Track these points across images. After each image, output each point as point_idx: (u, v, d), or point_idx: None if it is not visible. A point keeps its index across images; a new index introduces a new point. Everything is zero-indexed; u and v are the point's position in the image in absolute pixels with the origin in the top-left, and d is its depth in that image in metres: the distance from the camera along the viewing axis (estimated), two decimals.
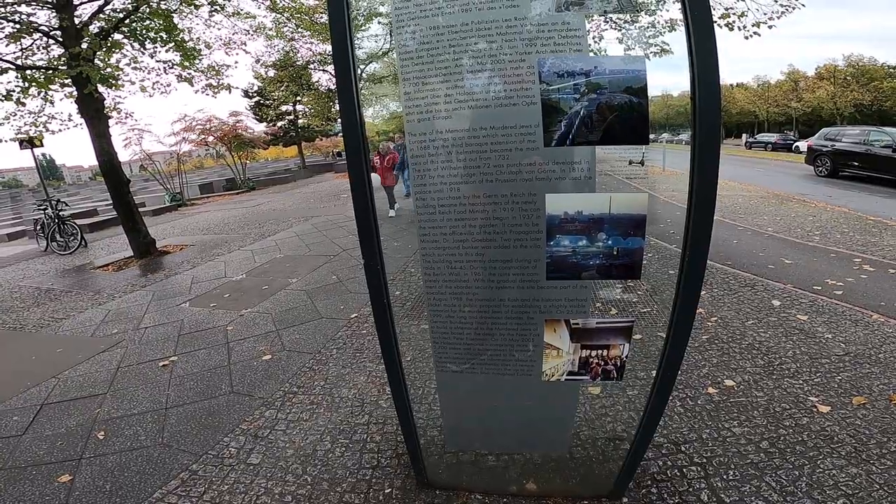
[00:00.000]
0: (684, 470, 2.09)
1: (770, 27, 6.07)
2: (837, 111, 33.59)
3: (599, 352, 1.49)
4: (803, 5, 5.85)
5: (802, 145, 25.33)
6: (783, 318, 3.58)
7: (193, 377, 3.31)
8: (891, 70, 33.41)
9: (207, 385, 3.18)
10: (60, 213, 9.13)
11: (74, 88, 6.77)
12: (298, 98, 25.38)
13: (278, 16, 11.22)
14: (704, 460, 2.14)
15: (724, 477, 2.04)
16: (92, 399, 3.11)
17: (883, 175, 11.04)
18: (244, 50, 9.44)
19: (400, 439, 2.34)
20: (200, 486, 2.24)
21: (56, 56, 7.01)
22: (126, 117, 9.33)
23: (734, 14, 5.99)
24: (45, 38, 6.79)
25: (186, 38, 7.85)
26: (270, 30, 15.51)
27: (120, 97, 8.42)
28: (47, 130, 8.05)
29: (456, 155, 1.35)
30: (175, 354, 3.70)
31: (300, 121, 29.59)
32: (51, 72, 6.79)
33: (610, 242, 1.29)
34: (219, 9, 7.88)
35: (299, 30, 16.47)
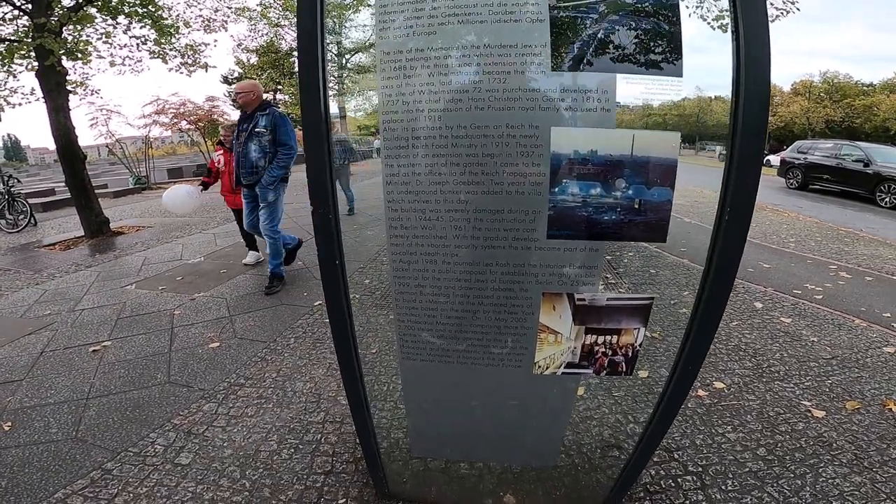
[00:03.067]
0: (679, 480, 1.88)
1: None
2: (809, 126, 34.66)
3: (607, 338, 1.21)
4: (798, 9, 5.81)
5: (773, 159, 26.15)
6: (767, 320, 3.50)
7: (126, 364, 2.91)
8: (864, 88, 34.65)
9: (141, 374, 2.79)
10: (11, 190, 8.60)
11: (36, 61, 6.43)
12: (279, 86, 24.65)
13: None
14: (700, 469, 1.93)
15: (723, 487, 1.83)
16: (5, 386, 2.69)
17: (853, 189, 11.02)
18: (224, 29, 9.02)
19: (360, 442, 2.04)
20: (112, 488, 1.89)
21: (23, 27, 6.66)
22: (92, 93, 8.76)
23: (729, 16, 5.88)
24: (14, 10, 6.50)
25: (165, 16, 7.60)
26: (255, 12, 14.92)
27: (87, 73, 8.08)
28: (8, 104, 7.65)
29: (439, 76, 1.05)
30: (109, 339, 3.28)
31: (280, 109, 28.78)
32: (15, 43, 6.47)
33: (630, 193, 1.01)
34: None
35: (285, 13, 15.87)
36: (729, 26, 0.98)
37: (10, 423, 2.33)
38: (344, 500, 1.80)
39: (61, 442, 2.20)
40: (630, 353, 1.22)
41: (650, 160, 0.99)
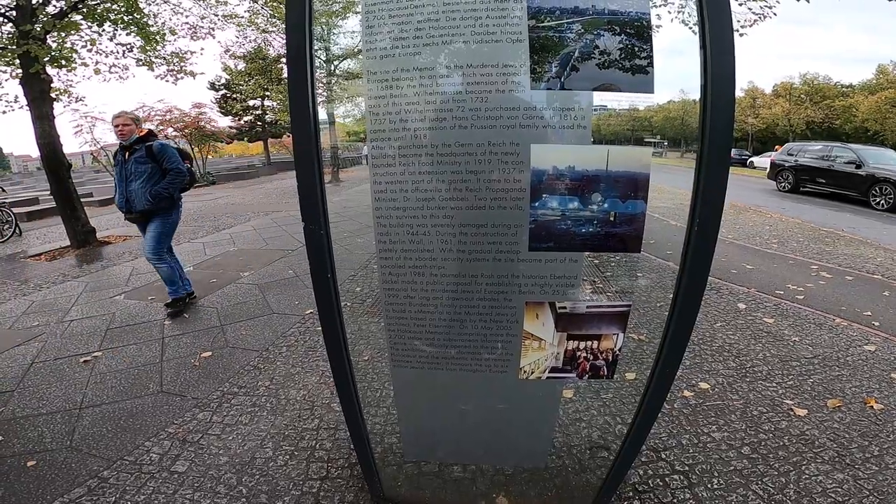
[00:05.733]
0: (667, 479, 1.93)
1: (741, 35, 6.16)
2: (791, 128, 35.17)
3: (589, 343, 1.27)
4: (775, 14, 5.97)
5: (757, 160, 26.50)
6: (750, 320, 3.58)
7: (118, 375, 2.91)
8: (843, 89, 35.22)
9: (133, 384, 2.80)
10: None
11: (21, 69, 6.42)
12: (267, 93, 24.56)
13: (253, 4, 10.79)
14: (687, 468, 1.99)
15: (709, 486, 1.89)
16: None
17: (845, 191, 10.87)
18: (211, 36, 9.02)
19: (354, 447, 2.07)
20: (110, 496, 1.91)
21: (8, 35, 6.61)
22: (77, 101, 8.69)
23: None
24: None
25: (151, 24, 7.59)
26: (243, 18, 14.87)
27: (72, 80, 7.96)
28: None
29: (424, 95, 1.10)
30: (100, 350, 3.28)
31: (267, 116, 28.70)
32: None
33: (606, 206, 1.07)
34: None
35: (273, 20, 15.85)
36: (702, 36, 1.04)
37: (2, 435, 2.33)
38: None
39: (56, 451, 2.20)
40: (610, 358, 1.28)
41: (624, 174, 1.05)
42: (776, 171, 13.31)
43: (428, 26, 1.08)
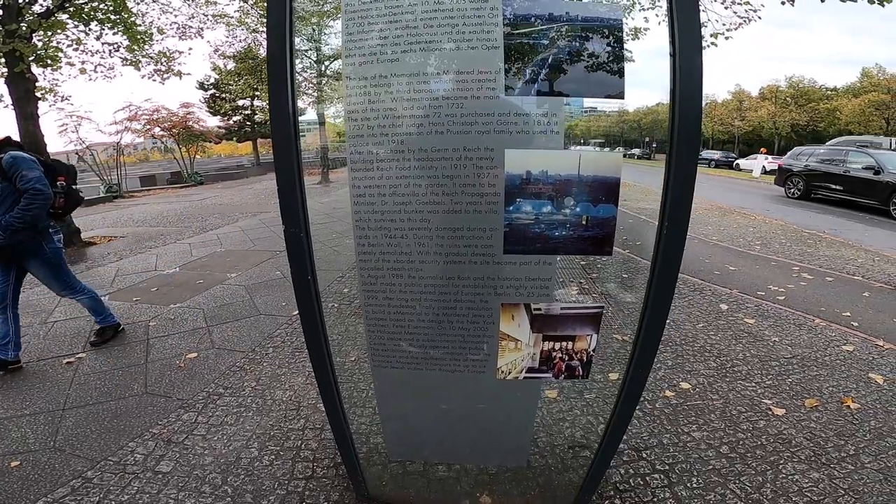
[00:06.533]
0: (647, 478, 1.96)
1: (727, 38, 6.25)
2: (776, 131, 35.72)
3: (564, 344, 1.30)
4: (760, 17, 6.07)
5: (743, 162, 26.83)
6: (731, 321, 3.64)
7: (101, 376, 2.89)
8: (828, 92, 35.84)
9: (117, 385, 2.78)
10: None
11: (6, 68, 6.36)
12: (257, 92, 24.46)
13: (243, 3, 10.72)
14: (667, 467, 2.02)
15: (689, 485, 1.92)
16: None
17: (862, 200, 10.04)
18: (200, 36, 8.96)
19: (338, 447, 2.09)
20: (94, 496, 1.90)
21: None
22: (62, 100, 8.61)
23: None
24: None
25: (139, 23, 7.52)
26: (233, 18, 14.78)
27: (57, 80, 7.91)
28: None
29: (401, 102, 1.13)
30: (83, 351, 3.26)
31: (257, 116, 28.56)
32: None
33: (578, 210, 1.10)
34: None
35: (263, 20, 15.79)
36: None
37: None
38: (325, 503, 1.84)
39: (39, 452, 2.19)
40: (585, 358, 1.31)
41: (596, 179, 1.08)
42: (784, 176, 12.42)
43: (406, 34, 1.11)
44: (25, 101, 6.58)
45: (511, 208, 1.12)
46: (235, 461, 2.10)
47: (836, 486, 1.90)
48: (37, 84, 6.85)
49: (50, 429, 2.37)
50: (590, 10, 1.08)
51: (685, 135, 1.06)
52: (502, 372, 1.36)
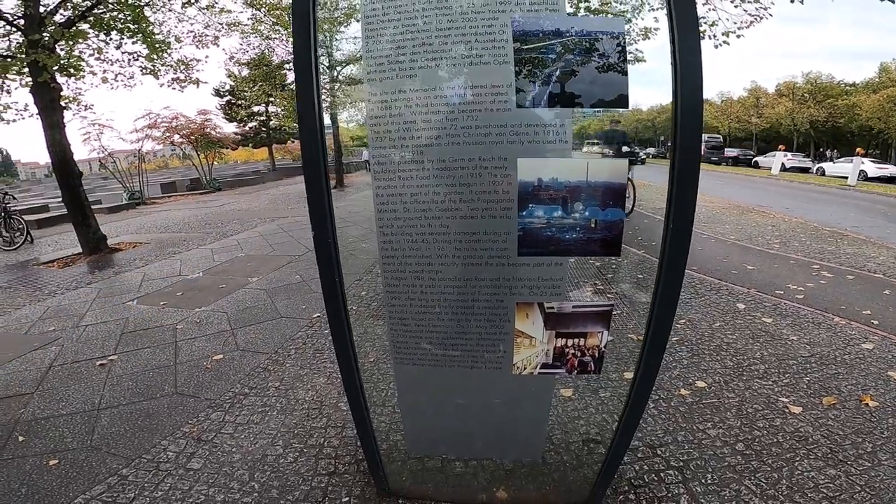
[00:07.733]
0: (662, 474, 1.99)
1: (738, 37, 6.23)
2: (794, 127, 34.93)
3: (576, 341, 1.36)
4: (771, 15, 6.04)
5: (761, 160, 26.37)
6: (749, 320, 3.62)
7: (133, 377, 3.02)
8: (847, 87, 34.88)
9: (148, 385, 2.91)
10: (7, 207, 8.57)
11: (30, 77, 6.46)
12: (271, 98, 24.86)
13: (255, 12, 10.94)
14: (681, 464, 2.05)
15: (703, 481, 1.95)
16: (17, 399, 2.80)
17: None
18: (216, 44, 9.15)
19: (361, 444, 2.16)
20: (130, 492, 2.00)
21: (17, 44, 6.68)
22: (85, 109, 8.87)
23: (705, 23, 6.12)
24: (7, 27, 6.52)
25: (156, 32, 7.65)
26: (246, 26, 15.07)
27: (80, 88, 8.06)
28: (2, 120, 7.60)
29: (420, 114, 1.20)
30: (115, 353, 3.40)
31: (272, 122, 29.00)
32: (8, 59, 6.48)
33: (587, 213, 1.17)
34: (192, 1, 7.64)
35: (276, 27, 16.07)
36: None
37: (23, 435, 2.44)
38: (347, 498, 1.92)
39: (77, 451, 2.31)
40: (597, 354, 1.37)
41: (603, 184, 1.14)
42: None
43: (423, 50, 1.18)
44: (51, 110, 6.71)
45: (524, 213, 1.19)
46: (262, 458, 2.19)
47: (852, 482, 1.90)
48: (62, 94, 6.99)
49: (86, 428, 2.49)
50: (593, 24, 1.15)
51: (688, 132, 1.10)
52: (518, 368, 1.43)
